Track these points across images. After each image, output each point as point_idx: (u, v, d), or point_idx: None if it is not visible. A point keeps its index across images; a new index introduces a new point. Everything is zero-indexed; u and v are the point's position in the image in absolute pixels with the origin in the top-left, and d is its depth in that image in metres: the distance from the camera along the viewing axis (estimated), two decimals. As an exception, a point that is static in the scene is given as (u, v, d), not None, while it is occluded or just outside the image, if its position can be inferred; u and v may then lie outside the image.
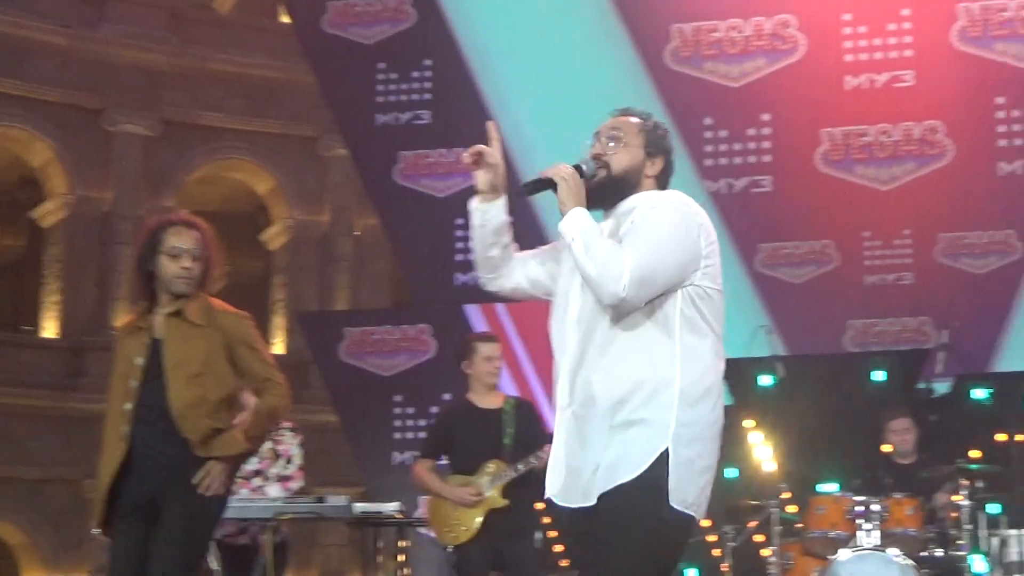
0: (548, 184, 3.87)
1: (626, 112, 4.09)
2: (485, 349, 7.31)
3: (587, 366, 3.83)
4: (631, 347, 3.81)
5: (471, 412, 7.23)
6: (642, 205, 3.92)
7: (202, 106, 21.53)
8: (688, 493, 3.76)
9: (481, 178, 4.09)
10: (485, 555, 7.13)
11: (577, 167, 3.89)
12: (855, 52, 12.03)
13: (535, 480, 6.53)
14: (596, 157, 3.96)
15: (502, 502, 7.10)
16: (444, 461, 7.78)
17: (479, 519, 7.14)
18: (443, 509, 7.45)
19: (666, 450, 3.74)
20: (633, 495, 3.71)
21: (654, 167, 4.03)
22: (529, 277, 4.14)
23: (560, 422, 3.90)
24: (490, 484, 7.12)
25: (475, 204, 4.11)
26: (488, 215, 4.09)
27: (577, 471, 3.82)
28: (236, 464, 5.32)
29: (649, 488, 3.72)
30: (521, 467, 7.06)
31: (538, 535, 8.21)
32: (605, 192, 3.94)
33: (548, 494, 3.90)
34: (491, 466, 7.13)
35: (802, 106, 12.03)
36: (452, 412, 7.61)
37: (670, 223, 3.86)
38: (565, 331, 3.92)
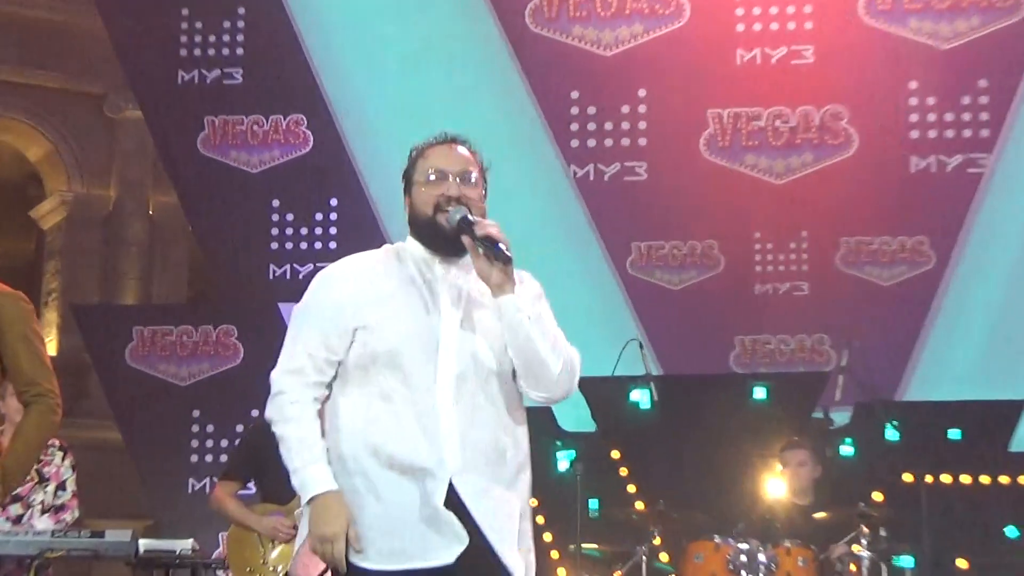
0: (499, 253, 3.94)
1: (462, 141, 4.23)
2: None
3: (485, 426, 4.03)
4: (516, 415, 4.13)
5: None
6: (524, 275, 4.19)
7: (-38, 51, 21.13)
8: None
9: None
10: None
11: (464, 218, 4.01)
12: (747, 21, 12.12)
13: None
14: (457, 200, 4.07)
15: None
16: (250, 488, 7.64)
17: (290, 557, 7.01)
18: (248, 544, 7.35)
19: None
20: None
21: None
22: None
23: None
24: None
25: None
26: None
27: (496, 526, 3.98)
28: None
29: None
30: None
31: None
32: (457, 241, 4.04)
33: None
34: None
35: (685, 82, 12.07)
36: (265, 429, 7.36)
37: None
38: (436, 386, 4.01)
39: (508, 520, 3.99)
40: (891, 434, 10.03)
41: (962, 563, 9.58)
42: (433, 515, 3.90)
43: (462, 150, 4.19)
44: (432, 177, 4.11)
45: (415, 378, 3.97)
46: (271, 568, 7.37)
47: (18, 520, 7.44)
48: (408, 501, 3.93)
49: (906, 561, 8.47)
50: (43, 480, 7.62)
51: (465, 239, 3.97)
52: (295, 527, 6.99)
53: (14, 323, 5.08)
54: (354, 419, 4.02)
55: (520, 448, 4.10)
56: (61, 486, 7.69)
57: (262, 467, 7.37)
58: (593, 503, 9.47)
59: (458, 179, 4.10)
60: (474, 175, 4.14)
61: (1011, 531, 10.09)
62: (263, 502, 7.43)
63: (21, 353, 5.07)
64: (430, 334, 4.02)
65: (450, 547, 3.89)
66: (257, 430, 7.55)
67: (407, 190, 4.21)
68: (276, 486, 7.21)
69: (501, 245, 3.93)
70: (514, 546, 3.98)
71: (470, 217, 4.00)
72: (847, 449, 9.78)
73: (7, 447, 5.16)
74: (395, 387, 3.98)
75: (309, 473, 3.99)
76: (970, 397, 10.69)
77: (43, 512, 7.57)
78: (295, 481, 4.03)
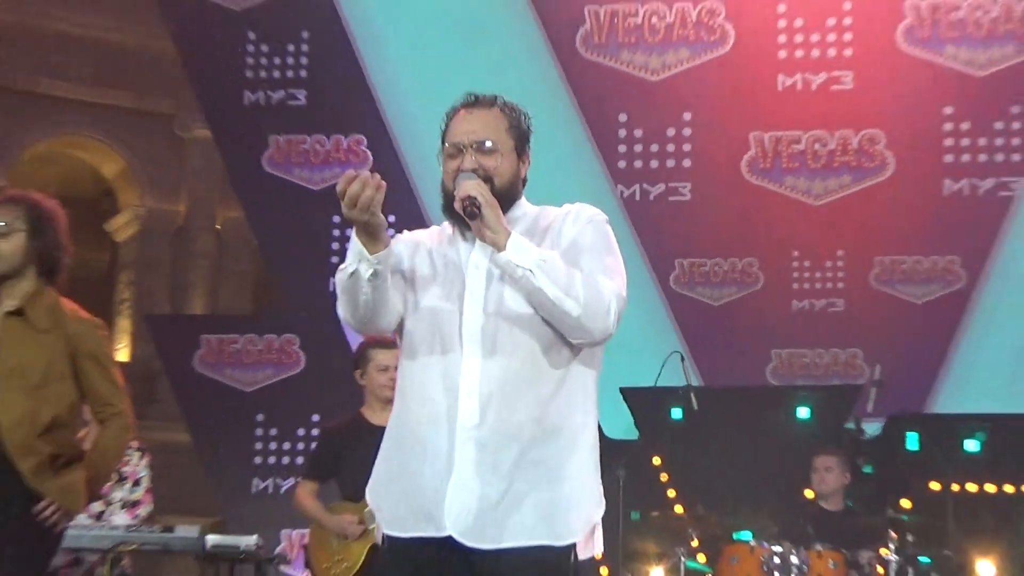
0: (472, 208, 3.69)
1: (482, 104, 3.95)
2: (380, 357, 7.16)
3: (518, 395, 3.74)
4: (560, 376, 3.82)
5: (363, 430, 6.98)
6: (555, 216, 3.95)
7: (41, 72, 21.21)
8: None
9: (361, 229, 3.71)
10: None
11: (450, 194, 3.82)
12: (789, 48, 12.10)
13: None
14: (473, 171, 3.81)
15: None
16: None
17: (363, 554, 7.08)
18: (324, 542, 7.44)
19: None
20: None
21: (525, 168, 4.01)
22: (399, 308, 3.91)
23: (467, 445, 3.72)
24: None
25: (363, 265, 3.72)
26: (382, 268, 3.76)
27: (528, 500, 3.72)
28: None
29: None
30: None
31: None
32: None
33: (452, 532, 3.68)
34: None
35: (728, 106, 12.11)
36: (341, 429, 7.43)
37: (611, 236, 3.93)
38: (464, 346, 3.77)
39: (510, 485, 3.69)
40: (912, 444, 10.10)
41: (984, 567, 9.62)
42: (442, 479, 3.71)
43: (480, 114, 3.92)
44: (451, 152, 3.88)
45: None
46: (344, 563, 7.42)
47: (99, 516, 7.56)
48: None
49: (925, 564, 8.49)
50: (121, 479, 7.73)
51: (457, 207, 3.74)
52: (362, 522, 7.06)
53: (92, 350, 5.27)
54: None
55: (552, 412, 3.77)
56: (136, 483, 7.80)
57: (337, 467, 7.33)
58: (635, 513, 9.54)
59: (472, 148, 3.85)
60: (488, 142, 3.85)
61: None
62: (342, 500, 7.46)
63: (97, 377, 5.27)
64: (453, 313, 3.79)
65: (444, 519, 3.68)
66: (331, 432, 7.56)
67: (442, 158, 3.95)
68: (350, 485, 7.18)
69: (477, 203, 3.68)
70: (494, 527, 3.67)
71: (456, 191, 3.75)
72: (878, 458, 9.80)
73: (87, 457, 5.32)
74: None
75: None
76: (996, 410, 10.69)
77: (121, 508, 7.71)
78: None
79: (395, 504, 3.82)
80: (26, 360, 5.11)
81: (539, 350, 3.76)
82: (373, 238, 3.66)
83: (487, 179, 3.80)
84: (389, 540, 3.85)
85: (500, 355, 3.73)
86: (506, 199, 3.85)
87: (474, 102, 3.95)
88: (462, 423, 3.71)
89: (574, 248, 3.83)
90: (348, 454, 7.18)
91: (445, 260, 3.90)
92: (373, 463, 3.97)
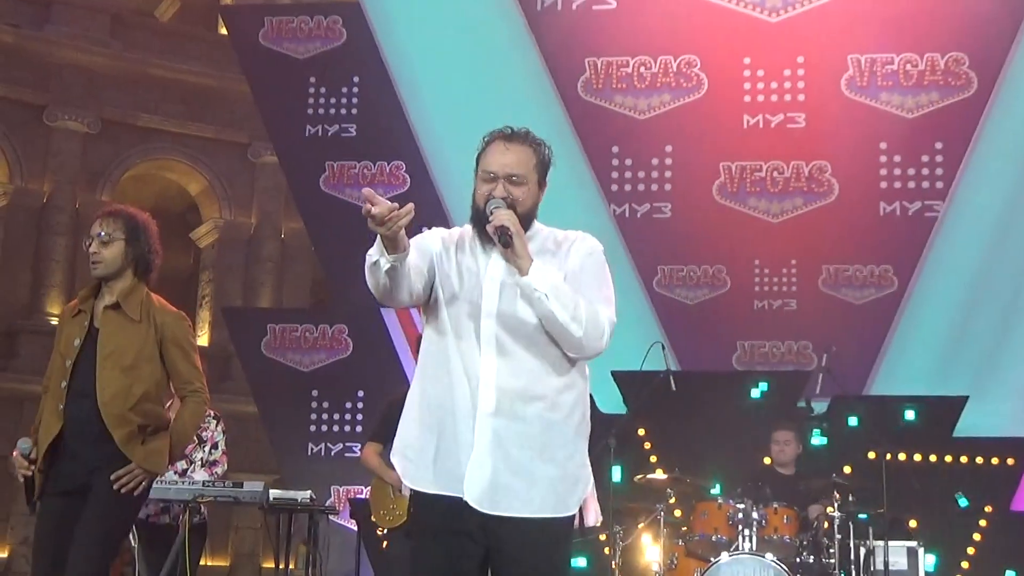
0: (505, 236, 3.68)
1: (517, 139, 3.89)
2: None
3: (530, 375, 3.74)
4: (562, 360, 3.81)
5: None
6: (563, 240, 3.91)
7: (140, 108, 21.32)
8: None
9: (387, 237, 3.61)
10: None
11: (485, 215, 3.78)
12: (753, 94, 12.04)
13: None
14: (503, 199, 3.78)
15: None
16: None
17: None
18: (383, 493, 7.47)
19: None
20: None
21: (542, 194, 3.94)
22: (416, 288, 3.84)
23: (484, 429, 3.70)
24: None
25: (382, 259, 3.66)
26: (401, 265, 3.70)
27: (534, 477, 3.70)
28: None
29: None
30: None
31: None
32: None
33: (469, 499, 3.68)
34: None
35: (702, 140, 12.03)
36: (401, 400, 7.46)
37: (606, 266, 3.91)
38: (481, 339, 3.75)
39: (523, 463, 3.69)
40: (852, 421, 10.05)
41: (913, 523, 9.55)
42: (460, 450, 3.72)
43: (515, 149, 3.85)
44: (485, 177, 3.84)
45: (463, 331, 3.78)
46: (397, 511, 7.45)
47: (183, 473, 7.53)
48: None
49: (863, 520, 8.43)
50: (201, 442, 7.72)
51: (489, 230, 3.73)
52: None
53: (176, 337, 5.26)
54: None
55: (561, 399, 3.77)
56: (214, 446, 7.76)
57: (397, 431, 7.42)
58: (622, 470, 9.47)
59: (505, 180, 3.80)
60: (520, 175, 3.82)
61: (962, 501, 10.05)
62: None
63: (179, 360, 5.25)
64: (472, 316, 3.78)
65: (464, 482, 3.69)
66: (395, 402, 7.52)
67: (476, 175, 3.91)
68: None
69: (508, 232, 3.67)
70: (510, 499, 3.67)
71: (490, 215, 3.73)
72: (825, 432, 9.74)
73: (171, 427, 5.29)
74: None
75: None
76: (922, 393, 10.66)
77: (201, 466, 7.68)
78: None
79: (425, 467, 3.79)
80: (121, 345, 5.11)
81: (546, 352, 3.76)
82: (392, 244, 3.60)
83: (512, 206, 3.77)
84: (417, 495, 3.84)
85: (512, 354, 3.73)
86: (526, 221, 3.82)
87: (511, 135, 3.90)
88: (482, 410, 3.70)
89: (577, 275, 3.81)
90: None
91: (467, 268, 3.86)
92: None
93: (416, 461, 3.82)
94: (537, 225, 3.93)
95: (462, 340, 3.77)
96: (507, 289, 3.77)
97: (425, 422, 3.84)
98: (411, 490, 3.87)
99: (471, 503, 3.67)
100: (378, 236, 3.60)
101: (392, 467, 6.96)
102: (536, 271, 3.68)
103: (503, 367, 3.71)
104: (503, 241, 3.68)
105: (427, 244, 3.90)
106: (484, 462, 3.68)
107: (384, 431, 7.55)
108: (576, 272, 3.82)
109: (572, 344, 3.72)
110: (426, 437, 3.81)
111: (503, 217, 3.69)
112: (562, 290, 3.69)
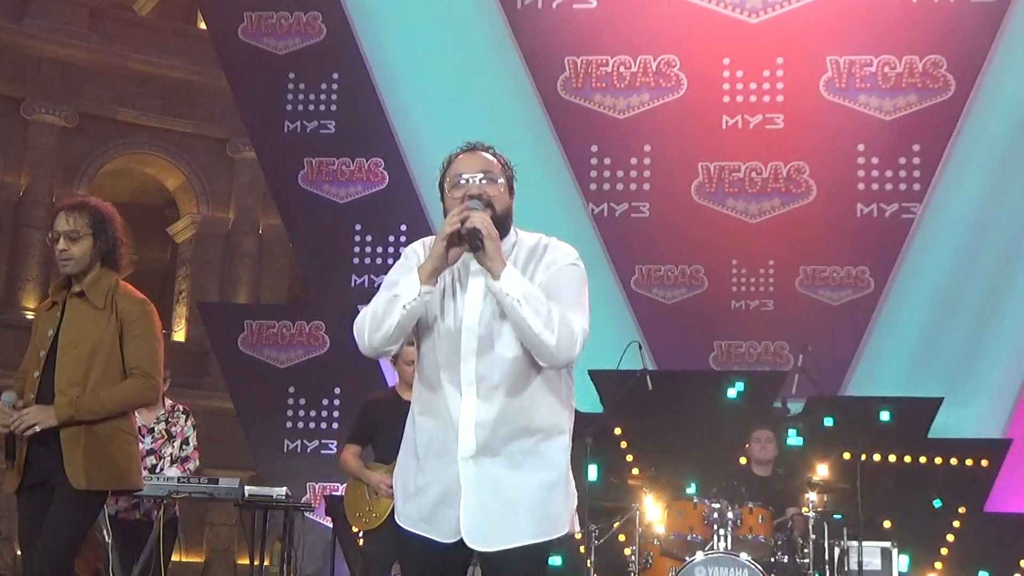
0: (476, 240, 3.58)
1: (480, 148, 3.84)
2: (407, 353, 7.13)
3: (507, 401, 3.68)
4: (544, 386, 3.75)
5: (397, 404, 6.95)
6: (542, 247, 3.82)
7: (118, 102, 21.26)
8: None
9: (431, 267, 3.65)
10: (389, 545, 6.99)
11: (462, 222, 3.62)
12: (732, 94, 12.04)
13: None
14: (479, 197, 3.68)
15: None
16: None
17: (389, 509, 7.02)
18: (360, 494, 7.42)
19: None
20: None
21: (512, 201, 3.85)
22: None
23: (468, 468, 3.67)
24: None
25: (424, 291, 3.66)
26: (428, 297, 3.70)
27: (522, 509, 3.67)
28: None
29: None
30: None
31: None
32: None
33: (463, 536, 3.65)
34: None
35: (681, 140, 12.02)
36: (378, 402, 7.53)
37: (583, 278, 3.78)
38: (461, 360, 3.72)
39: (504, 505, 3.65)
40: (828, 421, 10.07)
41: (887, 523, 9.58)
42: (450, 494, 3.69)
43: (483, 155, 3.79)
44: (457, 182, 3.73)
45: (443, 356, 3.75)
46: (373, 514, 7.40)
47: (153, 470, 7.51)
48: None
49: (837, 521, 8.44)
50: (171, 437, 7.70)
51: (463, 232, 3.59)
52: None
53: (134, 322, 5.19)
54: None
55: (542, 425, 3.72)
56: (185, 442, 7.77)
57: (375, 433, 7.40)
58: (598, 469, 9.46)
59: (479, 178, 3.72)
60: (492, 173, 3.74)
61: (936, 502, 10.09)
62: (376, 461, 7.45)
63: (135, 346, 5.17)
64: (455, 329, 3.72)
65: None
66: (370, 404, 7.60)
67: (442, 198, 3.82)
68: (385, 448, 7.27)
69: (480, 235, 3.56)
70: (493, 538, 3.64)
71: (465, 223, 3.59)
72: (801, 432, 9.74)
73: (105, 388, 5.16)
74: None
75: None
76: (897, 394, 10.70)
77: (172, 463, 7.65)
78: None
79: (411, 506, 3.78)
80: (81, 332, 5.12)
81: (528, 385, 3.70)
82: (443, 262, 3.63)
83: (489, 204, 3.68)
84: (400, 529, 3.82)
85: (491, 396, 3.68)
86: (502, 225, 3.72)
87: (472, 147, 3.85)
88: (461, 454, 3.67)
89: (552, 283, 3.70)
90: (383, 424, 7.30)
91: (447, 296, 3.78)
92: (402, 433, 3.92)
93: (409, 500, 3.80)
94: (515, 232, 3.85)
95: (448, 371, 3.74)
96: (487, 319, 3.69)
97: (411, 459, 3.82)
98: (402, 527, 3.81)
99: (466, 540, 3.64)
100: (414, 272, 3.62)
101: (369, 468, 6.94)
102: (508, 276, 3.57)
103: (483, 408, 3.66)
104: (474, 244, 3.58)
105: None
106: (471, 501, 3.65)
107: (361, 433, 7.54)
108: (551, 279, 3.72)
109: (545, 352, 3.59)
110: (420, 480, 3.77)
111: (476, 219, 3.57)
112: (535, 296, 3.58)
